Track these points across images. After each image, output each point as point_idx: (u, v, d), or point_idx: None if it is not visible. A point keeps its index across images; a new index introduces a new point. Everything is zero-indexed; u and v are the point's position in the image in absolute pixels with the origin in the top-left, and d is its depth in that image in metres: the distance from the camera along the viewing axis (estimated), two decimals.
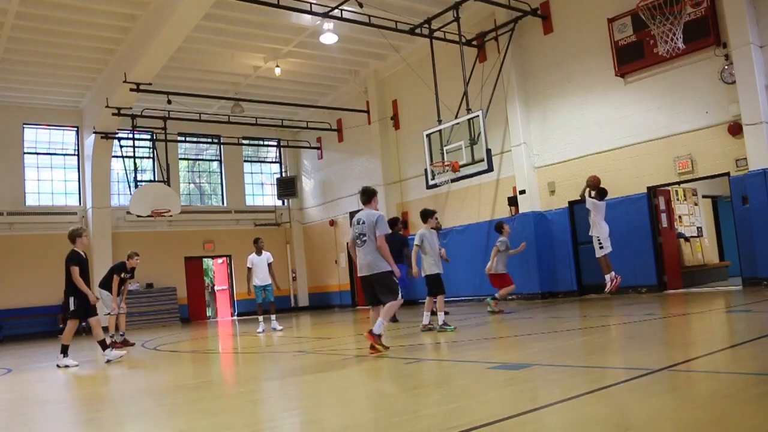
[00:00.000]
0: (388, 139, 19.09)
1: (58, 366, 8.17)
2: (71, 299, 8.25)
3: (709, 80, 11.92)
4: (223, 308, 23.11)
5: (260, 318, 12.44)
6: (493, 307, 11.37)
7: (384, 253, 6.61)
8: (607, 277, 11.31)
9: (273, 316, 12.38)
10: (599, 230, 11.20)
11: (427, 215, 9.09)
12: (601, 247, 11.21)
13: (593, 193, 11.49)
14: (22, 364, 9.78)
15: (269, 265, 12.20)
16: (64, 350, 8.22)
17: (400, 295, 6.76)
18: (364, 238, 6.64)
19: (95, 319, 8.32)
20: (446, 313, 9.23)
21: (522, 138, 14.90)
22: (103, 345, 8.40)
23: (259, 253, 12.19)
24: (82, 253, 8.42)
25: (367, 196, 6.88)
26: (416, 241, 8.88)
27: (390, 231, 7.02)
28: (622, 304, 10.74)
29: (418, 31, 14.65)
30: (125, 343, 11.30)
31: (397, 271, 6.75)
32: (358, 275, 6.82)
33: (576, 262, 14.24)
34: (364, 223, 6.69)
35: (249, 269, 12.18)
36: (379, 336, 6.55)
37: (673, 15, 11.65)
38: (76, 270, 8.16)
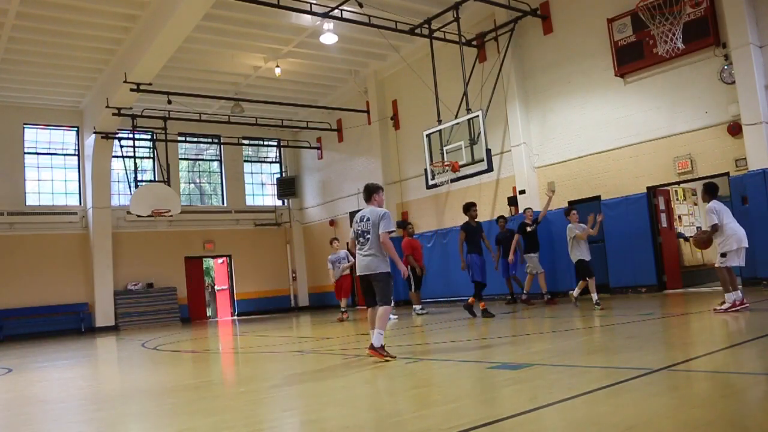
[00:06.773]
0: (388, 139, 19.08)
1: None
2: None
3: (709, 80, 11.92)
4: (223, 308, 23.11)
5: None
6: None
7: (389, 250, 6.31)
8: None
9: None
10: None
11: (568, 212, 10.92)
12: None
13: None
14: (22, 364, 9.77)
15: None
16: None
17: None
18: (368, 236, 6.33)
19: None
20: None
21: (522, 138, 14.90)
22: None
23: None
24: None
25: (368, 193, 6.54)
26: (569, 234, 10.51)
27: (393, 229, 6.54)
28: (622, 304, 10.74)
29: (417, 31, 14.65)
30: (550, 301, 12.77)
31: (403, 269, 6.42)
32: (357, 274, 6.54)
33: None
34: (368, 220, 6.35)
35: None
36: (381, 347, 6.16)
37: (673, 15, 11.65)
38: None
